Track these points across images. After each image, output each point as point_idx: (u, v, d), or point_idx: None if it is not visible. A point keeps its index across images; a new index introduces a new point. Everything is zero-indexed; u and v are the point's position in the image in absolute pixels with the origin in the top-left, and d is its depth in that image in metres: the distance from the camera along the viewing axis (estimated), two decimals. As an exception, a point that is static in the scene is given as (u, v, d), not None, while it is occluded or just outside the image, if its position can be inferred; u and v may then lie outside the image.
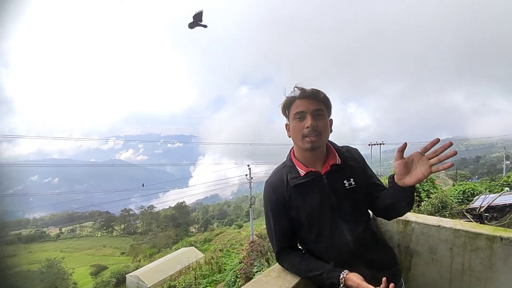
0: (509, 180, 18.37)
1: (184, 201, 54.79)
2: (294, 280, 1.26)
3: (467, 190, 16.30)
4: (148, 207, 54.55)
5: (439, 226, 1.56)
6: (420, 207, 11.91)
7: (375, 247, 1.28)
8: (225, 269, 19.50)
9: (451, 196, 14.49)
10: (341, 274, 1.13)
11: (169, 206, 55.53)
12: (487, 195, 14.37)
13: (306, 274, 1.24)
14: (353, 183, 1.24)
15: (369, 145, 27.69)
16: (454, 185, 21.66)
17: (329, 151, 1.31)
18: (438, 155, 0.97)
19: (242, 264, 16.14)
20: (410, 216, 1.70)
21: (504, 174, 27.44)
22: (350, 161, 1.30)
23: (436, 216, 10.25)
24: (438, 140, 0.95)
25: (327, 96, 1.24)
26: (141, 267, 23.83)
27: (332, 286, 1.14)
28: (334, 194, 1.22)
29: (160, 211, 54.47)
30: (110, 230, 52.72)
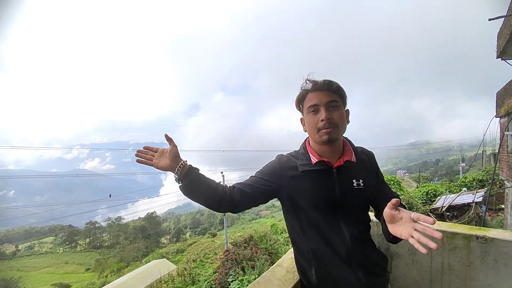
0: (466, 181, 19.83)
1: (154, 211, 52.83)
2: None
3: (429, 191, 17.36)
4: (115, 219, 51.90)
5: (418, 227, 1.58)
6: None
7: (372, 251, 1.26)
8: (199, 280, 18.84)
9: (416, 197, 15.31)
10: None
11: (139, 217, 53.40)
12: (448, 196, 15.38)
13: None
14: (361, 184, 1.21)
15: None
16: (418, 187, 22.97)
17: (346, 147, 1.28)
18: (422, 232, 0.94)
19: (217, 274, 15.79)
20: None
21: (461, 176, 29.53)
22: (365, 162, 1.27)
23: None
24: (433, 222, 0.92)
25: (341, 86, 1.20)
26: (108, 283, 22.40)
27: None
28: (340, 189, 1.18)
29: (129, 222, 52.07)
30: (73, 245, 49.34)
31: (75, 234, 50.29)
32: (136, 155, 1.21)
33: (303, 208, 1.21)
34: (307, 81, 1.20)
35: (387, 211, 1.01)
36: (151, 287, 20.12)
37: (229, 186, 1.23)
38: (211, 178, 1.21)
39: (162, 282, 20.04)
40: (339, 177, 1.20)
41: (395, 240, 1.07)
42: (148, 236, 44.47)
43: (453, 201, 13.86)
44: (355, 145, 1.34)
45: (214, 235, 39.42)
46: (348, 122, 1.25)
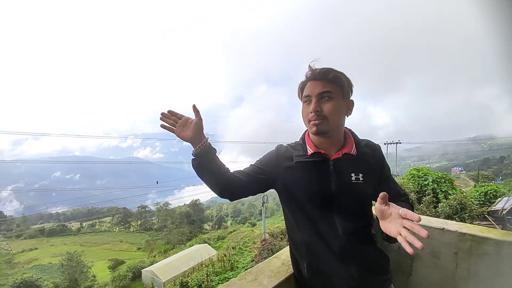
0: (535, 182, 17.45)
1: (198, 199, 55.45)
2: (270, 284, 1.19)
3: (489, 191, 15.62)
4: (163, 204, 55.54)
5: (443, 229, 1.47)
6: (437, 208, 11.51)
7: (370, 248, 1.19)
8: (237, 267, 19.58)
9: (471, 198, 13.91)
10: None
11: (184, 203, 56.49)
12: (511, 197, 13.73)
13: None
14: (361, 178, 1.14)
15: (385, 144, 26.89)
16: (475, 186, 20.85)
17: (347, 140, 1.22)
18: (410, 230, 0.89)
19: (254, 262, 16.21)
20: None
21: (530, 175, 26.09)
22: (366, 156, 1.20)
23: (455, 218, 9.91)
24: (419, 219, 0.87)
25: (340, 75, 1.13)
26: (156, 262, 24.30)
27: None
28: (336, 183, 1.14)
29: (175, 208, 55.37)
30: (127, 226, 54.05)
31: (128, 216, 55.05)
32: (161, 119, 1.18)
33: (297, 200, 1.19)
34: (309, 68, 1.16)
35: (377, 206, 0.97)
36: (193, 269, 21.46)
37: (232, 174, 1.22)
38: (223, 163, 1.21)
39: (203, 265, 21.23)
40: (335, 170, 1.15)
41: (388, 238, 1.00)
42: (192, 222, 46.94)
43: (516, 203, 12.38)
44: (363, 139, 1.28)
45: (253, 225, 40.24)
46: (349, 114, 1.19)
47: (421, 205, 11.75)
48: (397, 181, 1.29)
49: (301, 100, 1.22)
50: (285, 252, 1.40)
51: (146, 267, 22.89)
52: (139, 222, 54.84)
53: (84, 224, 58.83)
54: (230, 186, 1.19)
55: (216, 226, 49.45)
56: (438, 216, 10.85)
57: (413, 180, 13.38)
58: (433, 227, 1.51)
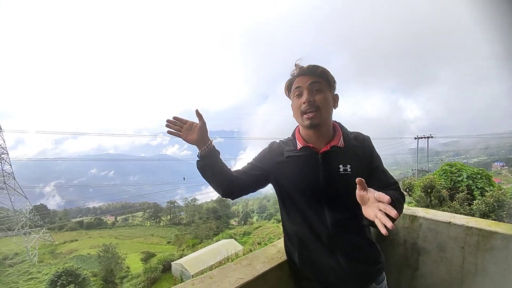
0: None
1: (225, 195, 56.27)
2: (263, 269, 1.25)
3: (532, 188, 14.45)
4: (191, 200, 57.17)
5: (449, 222, 1.44)
6: (471, 206, 10.85)
7: (359, 238, 1.22)
8: (262, 262, 19.81)
9: (511, 195, 12.95)
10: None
11: (211, 199, 57.68)
12: (557, 195, 12.62)
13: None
14: (349, 169, 1.18)
15: (415, 138, 25.50)
16: (517, 183, 19.34)
17: (336, 133, 1.26)
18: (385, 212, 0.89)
19: (279, 258, 16.34)
20: (418, 211, 1.60)
21: None
22: (354, 147, 1.24)
23: (492, 216, 9.33)
24: (389, 200, 0.87)
25: (327, 70, 1.20)
26: (185, 256, 25.18)
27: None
28: (325, 175, 1.18)
29: (202, 203, 56.77)
30: (157, 220, 56.27)
31: (159, 211, 57.31)
32: (166, 126, 1.24)
33: (288, 193, 1.24)
34: (295, 66, 1.22)
35: (356, 192, 0.99)
36: (220, 263, 21.97)
37: (233, 174, 1.28)
38: (225, 164, 1.29)
39: (229, 260, 21.61)
40: (324, 162, 1.19)
41: (371, 223, 1.03)
42: (218, 217, 47.94)
43: None
44: (352, 131, 1.31)
45: (279, 221, 40.22)
46: (335, 107, 1.24)
47: (454, 202, 11.13)
48: (388, 171, 1.29)
49: (290, 97, 1.28)
50: (282, 241, 1.46)
51: (175, 260, 23.80)
52: (168, 217, 56.88)
53: (118, 218, 62.09)
54: (232, 186, 1.27)
55: (242, 222, 50.14)
56: (473, 215, 10.23)
57: (445, 176, 12.68)
58: (439, 221, 1.49)
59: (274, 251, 1.40)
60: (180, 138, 1.25)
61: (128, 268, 28.94)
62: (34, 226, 41.38)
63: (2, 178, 40.23)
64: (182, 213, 57.84)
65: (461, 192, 12.03)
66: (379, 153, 1.31)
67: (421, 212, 1.59)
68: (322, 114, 1.17)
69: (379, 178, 1.24)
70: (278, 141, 1.37)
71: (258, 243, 26.15)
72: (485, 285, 1.33)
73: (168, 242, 40.69)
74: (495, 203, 10.53)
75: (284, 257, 1.35)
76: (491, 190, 11.90)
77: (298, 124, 1.33)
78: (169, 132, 1.25)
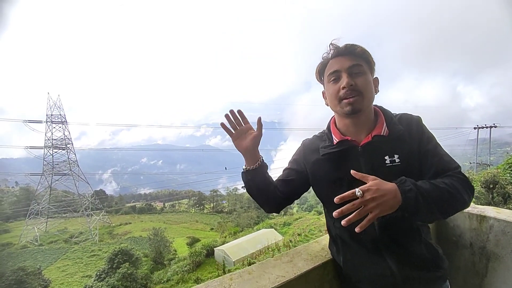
0: None
1: (266, 185, 56.96)
2: (305, 267, 1.16)
3: None
4: (232, 189, 58.79)
5: (529, 226, 1.22)
6: (508, 204, 9.52)
7: (412, 241, 1.04)
8: (303, 253, 19.73)
9: None
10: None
11: (252, 189, 58.61)
12: None
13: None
14: (397, 160, 1.00)
15: (474, 128, 22.74)
16: None
17: (378, 119, 1.08)
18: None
19: (319, 250, 16.11)
20: (488, 210, 1.37)
21: None
22: (401, 132, 1.04)
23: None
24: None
25: (367, 50, 1.03)
26: (227, 242, 26.04)
27: None
28: (368, 170, 1.01)
29: (243, 193, 57.99)
30: (201, 207, 58.91)
31: (202, 199, 59.98)
32: (226, 116, 1.15)
33: (328, 193, 1.10)
34: (330, 46, 1.05)
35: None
36: (260, 252, 22.39)
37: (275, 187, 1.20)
38: (271, 178, 1.20)
39: (270, 249, 21.94)
40: (365, 156, 1.03)
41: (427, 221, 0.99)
42: (259, 207, 48.58)
43: None
44: (399, 113, 1.11)
45: (320, 213, 39.56)
46: (377, 91, 1.06)
47: (522, 200, 9.89)
48: (448, 154, 1.04)
49: (323, 82, 1.13)
50: (326, 237, 1.36)
51: (218, 246, 24.74)
52: (211, 205, 59.24)
53: (166, 204, 66.37)
54: (275, 202, 1.21)
55: (282, 213, 50.17)
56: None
57: (510, 170, 11.31)
58: (514, 223, 1.26)
59: (318, 248, 1.31)
60: (229, 136, 1.17)
61: (175, 251, 30.88)
62: (95, 209, 46.16)
63: (68, 165, 45.31)
64: (224, 202, 59.85)
65: (531, 189, 10.64)
66: (434, 135, 1.09)
67: (492, 211, 1.37)
68: (365, 100, 1.02)
69: (432, 163, 1.01)
70: (311, 137, 1.24)
71: (298, 234, 26.09)
72: None
73: (212, 229, 42.43)
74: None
75: (329, 256, 1.25)
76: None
77: (332, 115, 1.19)
78: (222, 125, 1.16)
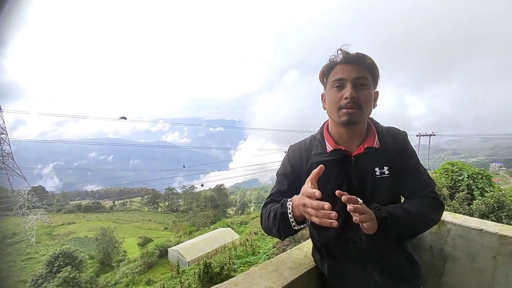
0: None
1: (223, 184, 56.67)
2: (291, 276, 1.15)
3: (531, 190, 14.49)
4: (189, 187, 57.42)
5: (481, 230, 1.35)
6: (471, 205, 10.84)
7: (395, 252, 1.09)
8: (258, 252, 19.97)
9: (510, 196, 12.97)
10: (288, 203, 0.99)
11: (209, 188, 57.95)
12: (557, 198, 12.65)
13: (271, 215, 1.07)
14: (386, 172, 1.05)
15: (417, 135, 25.50)
16: (516, 184, 19.40)
17: (370, 131, 1.12)
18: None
19: (275, 249, 16.44)
20: (446, 215, 1.49)
21: None
22: (391, 146, 1.09)
23: (491, 217, 9.30)
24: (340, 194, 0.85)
25: (375, 63, 1.04)
26: (181, 242, 25.36)
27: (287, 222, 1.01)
28: (359, 180, 1.05)
29: (200, 191, 57.05)
30: (155, 206, 56.54)
31: (157, 197, 57.57)
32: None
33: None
34: (339, 51, 1.04)
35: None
36: (216, 251, 22.18)
37: (267, 204, 1.16)
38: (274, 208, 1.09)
39: (226, 248, 21.82)
40: (358, 166, 1.06)
41: None
42: (216, 206, 48.19)
43: None
44: (387, 126, 1.16)
45: (276, 212, 40.53)
46: (375, 106, 1.09)
47: (454, 201, 11.16)
48: (426, 171, 1.15)
49: (325, 84, 1.11)
50: (307, 244, 1.36)
51: (172, 246, 23.98)
52: (166, 203, 57.19)
53: (116, 202, 62.49)
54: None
55: (239, 211, 50.46)
56: (472, 214, 10.25)
57: (446, 174, 12.67)
58: (470, 228, 1.39)
59: (301, 255, 1.31)
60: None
61: (125, 252, 29.19)
62: (32, 208, 41.55)
63: (1, 158, 40.20)
64: (180, 200, 58.19)
65: (461, 191, 12.03)
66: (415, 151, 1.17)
67: (449, 216, 1.49)
68: (363, 113, 1.04)
69: (412, 180, 1.09)
70: (298, 143, 1.21)
71: (255, 233, 26.36)
72: (518, 298, 1.24)
73: (166, 228, 40.99)
74: (495, 204, 10.52)
75: (312, 263, 1.25)
76: (491, 191, 11.90)
77: (325, 121, 1.18)
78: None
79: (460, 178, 12.61)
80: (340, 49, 1.05)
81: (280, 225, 1.03)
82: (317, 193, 0.84)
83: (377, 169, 1.06)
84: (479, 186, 12.26)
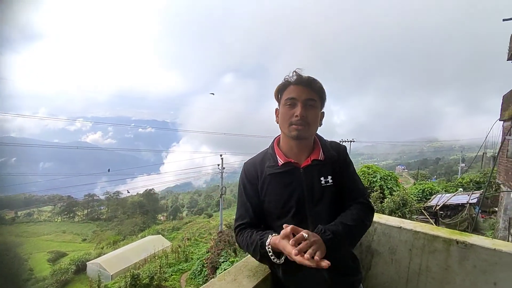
0: (463, 182, 19.85)
1: (153, 188, 53.40)
2: (250, 284, 1.18)
3: (426, 189, 17.44)
4: (114, 193, 52.58)
5: (400, 227, 1.60)
6: (383, 203, 12.53)
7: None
8: (192, 258, 19.39)
9: (411, 194, 15.39)
10: (267, 239, 1.08)
11: (137, 193, 54.01)
12: (443, 195, 15.47)
13: (251, 248, 1.16)
14: (330, 180, 1.21)
15: (340, 141, 28.45)
16: (415, 184, 23.05)
17: (315, 145, 1.28)
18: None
19: (209, 253, 16.17)
20: (374, 216, 1.72)
21: (459, 176, 29.58)
22: (334, 158, 1.26)
23: (397, 212, 10.81)
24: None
25: (323, 87, 1.21)
26: (104, 254, 23.08)
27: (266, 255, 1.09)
28: (308, 189, 1.19)
29: (127, 197, 52.75)
30: (71, 215, 50.14)
31: (73, 205, 51.03)
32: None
33: (271, 211, 1.22)
34: (294, 72, 1.19)
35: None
36: (145, 261, 20.77)
37: (240, 231, 1.24)
38: (254, 235, 1.18)
39: (156, 257, 20.62)
40: (306, 177, 1.20)
41: None
42: (145, 212, 45.19)
43: (447, 200, 13.95)
44: (329, 140, 1.35)
45: (210, 216, 40.05)
46: (320, 124, 1.26)
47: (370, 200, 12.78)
48: (360, 180, 1.37)
49: (279, 101, 1.24)
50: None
51: (92, 260, 21.62)
52: (85, 211, 51.22)
53: (19, 213, 53.23)
54: None
55: (171, 217, 48.27)
56: (383, 211, 11.85)
57: (363, 176, 14.35)
58: (391, 226, 1.63)
59: (256, 262, 1.32)
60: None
61: (31, 270, 25.06)
62: None
63: None
64: (102, 208, 52.73)
65: (376, 191, 13.79)
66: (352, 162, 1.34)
67: (375, 217, 1.70)
68: (311, 130, 1.20)
69: (350, 188, 1.27)
70: (251, 160, 1.33)
71: (188, 239, 25.58)
72: (427, 283, 1.50)
73: (84, 240, 36.76)
74: (400, 202, 12.34)
75: (268, 269, 1.29)
76: (398, 190, 13.93)
77: (277, 136, 1.32)
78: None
79: (374, 179, 14.46)
80: (295, 71, 1.18)
81: (265, 260, 1.16)
82: (292, 242, 0.97)
83: (322, 178, 1.21)
84: (389, 186, 14.25)
